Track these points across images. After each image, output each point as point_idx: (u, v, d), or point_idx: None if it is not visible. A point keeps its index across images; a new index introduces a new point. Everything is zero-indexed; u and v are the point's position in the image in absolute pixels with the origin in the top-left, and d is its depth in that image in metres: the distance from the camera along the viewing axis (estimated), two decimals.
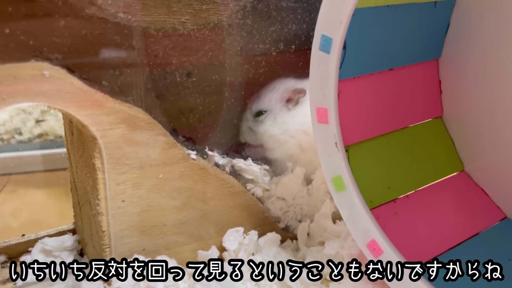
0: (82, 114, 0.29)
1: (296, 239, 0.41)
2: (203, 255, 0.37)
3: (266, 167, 0.43)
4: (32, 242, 0.40)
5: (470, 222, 0.35)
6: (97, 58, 0.31)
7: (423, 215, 0.34)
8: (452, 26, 0.38)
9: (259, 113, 0.43)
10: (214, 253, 0.37)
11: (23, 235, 0.41)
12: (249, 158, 0.42)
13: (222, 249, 0.38)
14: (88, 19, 0.30)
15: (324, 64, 0.31)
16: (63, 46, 0.29)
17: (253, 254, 0.39)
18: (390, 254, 0.30)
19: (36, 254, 0.39)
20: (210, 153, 0.38)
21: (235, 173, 0.40)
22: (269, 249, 0.39)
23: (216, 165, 0.39)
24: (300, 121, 0.42)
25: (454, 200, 0.36)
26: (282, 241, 0.41)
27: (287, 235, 0.42)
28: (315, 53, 0.31)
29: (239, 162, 0.40)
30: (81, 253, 0.40)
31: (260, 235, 0.40)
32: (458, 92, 0.39)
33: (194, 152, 0.36)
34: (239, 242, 0.38)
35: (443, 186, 0.36)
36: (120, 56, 0.32)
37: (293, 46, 0.41)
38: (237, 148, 0.45)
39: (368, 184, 0.33)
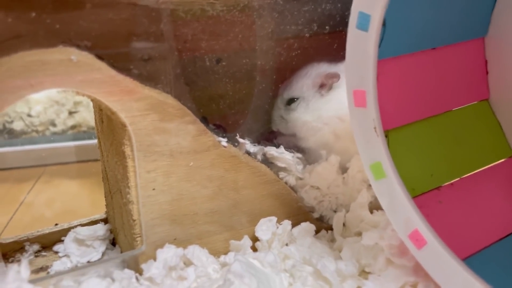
0: (110, 100, 0.29)
1: (331, 229, 0.40)
2: (235, 245, 0.36)
3: (299, 155, 0.41)
4: (65, 231, 0.40)
5: None
6: (124, 43, 0.30)
7: (469, 204, 0.32)
8: (499, 1, 0.35)
9: (291, 101, 0.41)
10: (246, 243, 0.36)
11: (56, 224, 0.41)
12: (281, 146, 0.40)
13: (254, 239, 0.37)
14: (115, 3, 0.29)
15: (362, 43, 0.29)
16: (90, 31, 0.28)
17: (286, 245, 0.37)
18: (435, 245, 0.28)
19: (68, 243, 0.39)
20: (241, 140, 0.37)
21: (267, 161, 0.39)
22: (303, 239, 0.37)
23: (248, 153, 0.38)
24: (334, 107, 0.40)
25: (502, 188, 0.34)
26: (317, 232, 0.40)
27: (322, 225, 0.41)
28: (352, 31, 0.29)
29: (271, 150, 0.39)
30: (113, 243, 0.40)
31: (294, 225, 0.39)
32: (505, 73, 0.36)
33: (225, 140, 0.35)
34: (272, 232, 0.36)
35: (490, 173, 0.34)
36: (148, 41, 0.31)
37: (327, 27, 0.39)
38: (269, 136, 0.43)
39: (409, 171, 0.31)
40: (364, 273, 0.34)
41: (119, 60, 0.31)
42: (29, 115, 0.73)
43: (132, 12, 0.30)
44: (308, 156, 0.42)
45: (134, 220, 0.32)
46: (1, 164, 0.69)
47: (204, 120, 0.39)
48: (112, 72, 0.28)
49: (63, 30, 0.28)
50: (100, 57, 0.29)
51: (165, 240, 0.34)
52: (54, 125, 0.74)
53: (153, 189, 0.32)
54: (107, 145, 0.36)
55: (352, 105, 0.31)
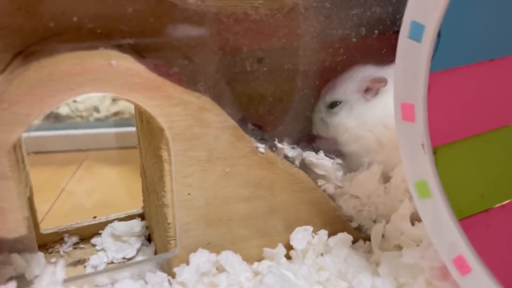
0: (149, 105, 0.28)
1: (369, 240, 0.38)
2: (269, 253, 0.35)
3: (339, 161, 0.40)
4: (103, 225, 0.41)
5: None
6: (165, 46, 0.30)
7: None
8: None
9: (334, 104, 0.39)
10: (280, 251, 0.35)
11: (94, 217, 0.42)
12: (321, 152, 0.39)
13: (289, 247, 0.36)
14: (157, 5, 0.28)
15: (414, 55, 0.27)
16: (131, 34, 0.28)
17: (322, 255, 0.36)
18: (479, 273, 0.26)
19: (105, 237, 0.39)
20: (279, 145, 0.36)
21: (305, 167, 0.38)
22: (339, 250, 0.36)
23: (286, 157, 0.37)
24: (380, 114, 0.38)
25: None
26: (354, 242, 0.39)
27: (360, 235, 0.39)
28: (403, 41, 0.27)
29: (310, 156, 0.38)
30: (149, 239, 0.40)
31: (331, 234, 0.37)
32: None
33: (263, 146, 0.34)
34: (307, 241, 0.35)
35: None
36: (189, 44, 0.31)
37: (376, 31, 0.37)
38: (309, 140, 0.42)
39: (457, 191, 0.29)
40: None
41: (159, 62, 0.30)
42: (74, 101, 0.75)
43: (174, 14, 0.29)
44: (348, 163, 0.40)
45: (168, 224, 0.32)
46: (46, 148, 0.71)
47: (243, 120, 0.38)
48: (152, 76, 0.28)
49: (104, 33, 0.28)
50: (140, 59, 0.28)
51: (198, 244, 0.33)
52: (97, 111, 0.76)
53: (189, 193, 0.32)
54: (145, 144, 0.36)
55: (399, 118, 0.29)
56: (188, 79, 0.33)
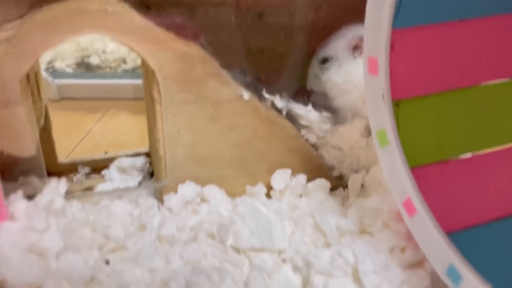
0: (142, 48, 0.32)
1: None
2: (251, 190, 0.39)
3: (327, 114, 0.42)
4: (112, 160, 0.46)
5: None
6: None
7: (472, 182, 0.32)
8: None
9: (325, 60, 0.42)
10: (261, 189, 0.39)
11: (105, 152, 0.47)
12: (310, 105, 0.42)
13: (269, 188, 0.40)
14: None
15: (378, 11, 0.29)
16: None
17: (300, 196, 0.40)
18: (423, 215, 0.29)
19: (113, 170, 0.45)
20: (267, 96, 0.39)
21: (291, 117, 0.41)
22: (317, 194, 0.40)
23: (275, 108, 0.40)
24: None
25: None
26: (334, 189, 0.42)
27: (341, 184, 0.42)
28: None
29: (296, 108, 0.41)
30: (152, 174, 0.45)
31: (312, 180, 0.41)
32: None
33: (248, 93, 0.37)
34: (286, 183, 0.39)
35: (506, 154, 0.33)
36: None
37: None
38: (302, 95, 0.45)
39: (416, 142, 0.32)
40: (365, 232, 0.36)
41: (156, 10, 0.34)
42: (104, 52, 0.80)
43: None
44: (336, 117, 0.43)
45: (160, 156, 0.37)
46: (77, 94, 0.77)
47: (243, 72, 0.42)
48: (143, 21, 0.31)
49: None
50: (147, 9, 0.32)
51: (187, 177, 0.38)
52: (125, 62, 0.81)
53: (178, 131, 0.36)
54: (146, 85, 0.40)
55: (367, 72, 0.32)
56: (180, 30, 0.36)
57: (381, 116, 0.31)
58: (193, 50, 0.34)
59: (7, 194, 0.30)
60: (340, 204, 0.40)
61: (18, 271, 0.24)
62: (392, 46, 0.30)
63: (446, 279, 0.28)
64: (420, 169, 0.31)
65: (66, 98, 0.79)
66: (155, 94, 0.34)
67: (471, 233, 0.30)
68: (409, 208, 0.30)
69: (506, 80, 0.34)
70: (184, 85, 0.34)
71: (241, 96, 0.36)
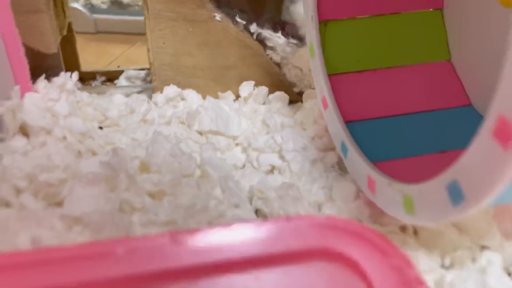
0: None
1: None
2: (221, 95, 0.49)
3: (294, 41, 0.51)
4: (123, 72, 0.57)
5: (430, 99, 0.40)
6: None
7: (381, 87, 0.40)
8: None
9: None
10: (230, 96, 0.49)
11: (118, 66, 0.59)
12: (280, 32, 0.51)
13: (237, 96, 0.50)
14: None
15: None
16: None
17: (264, 103, 0.50)
18: (331, 108, 0.38)
19: (122, 79, 0.56)
20: (239, 20, 0.49)
21: (260, 40, 0.50)
22: (276, 103, 0.49)
23: (247, 31, 0.49)
24: None
25: (424, 80, 0.41)
26: (295, 103, 0.51)
27: (301, 99, 0.52)
28: None
29: (266, 32, 0.50)
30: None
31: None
32: None
33: (220, 15, 0.46)
34: (249, 92, 0.49)
35: (419, 68, 0.41)
36: None
37: None
38: (276, 23, 0.53)
39: (338, 55, 0.40)
40: (300, 127, 0.45)
41: None
42: None
43: None
44: (302, 43, 0.52)
45: (150, 63, 0.48)
46: (110, 29, 0.89)
47: (227, 3, 0.51)
48: None
49: None
50: None
51: (171, 81, 0.48)
52: None
53: (163, 43, 0.46)
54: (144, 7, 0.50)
55: None
56: None
57: (310, 33, 0.40)
58: None
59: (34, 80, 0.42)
60: (293, 111, 0.49)
61: (36, 119, 0.36)
62: None
63: (340, 154, 0.38)
64: (337, 76, 0.40)
65: (101, 31, 0.91)
66: (145, 12, 0.44)
67: (364, 123, 0.39)
68: (324, 103, 0.40)
69: (428, 10, 0.42)
70: (167, 4, 0.44)
71: (214, 17, 0.46)
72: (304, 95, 0.50)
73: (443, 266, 0.31)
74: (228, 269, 0.19)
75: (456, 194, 0.23)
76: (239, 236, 0.20)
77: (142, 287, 0.19)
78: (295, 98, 0.51)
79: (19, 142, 0.35)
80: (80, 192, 0.31)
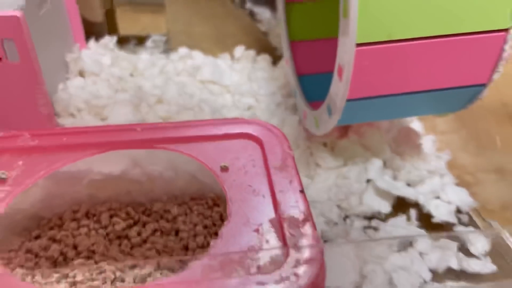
0: None
1: None
2: (220, 56, 0.66)
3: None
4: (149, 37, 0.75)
5: None
6: None
7: (328, 51, 0.56)
8: None
9: None
10: (226, 56, 0.66)
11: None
12: (268, 8, 0.67)
13: (232, 57, 0.67)
14: None
15: None
16: None
17: (253, 63, 0.67)
18: (289, 65, 0.55)
19: (149, 41, 0.74)
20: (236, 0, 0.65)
21: (253, 15, 0.67)
22: (261, 62, 0.66)
23: (243, 8, 0.66)
24: None
25: None
26: (278, 61, 0.68)
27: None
28: None
29: (256, 9, 0.66)
30: None
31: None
32: None
33: None
34: (241, 54, 0.66)
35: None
36: None
37: None
38: (266, 2, 0.70)
39: (298, 28, 0.57)
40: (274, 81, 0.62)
41: None
42: None
43: None
44: None
45: (168, 31, 0.65)
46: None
47: None
48: None
49: None
50: None
51: (183, 44, 0.66)
52: None
53: (177, 16, 0.63)
54: None
55: None
56: None
57: (279, 12, 0.56)
58: None
59: (87, 40, 0.60)
60: (273, 69, 0.66)
61: (89, 67, 0.55)
62: None
63: (295, 100, 0.54)
64: (296, 42, 0.57)
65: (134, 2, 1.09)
66: None
67: (309, 77, 0.55)
68: (287, 62, 0.56)
69: None
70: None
71: None
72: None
73: (344, 165, 0.47)
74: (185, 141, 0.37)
75: (329, 112, 0.40)
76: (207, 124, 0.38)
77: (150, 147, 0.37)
78: (277, 59, 0.68)
79: (78, 81, 0.54)
80: (116, 112, 0.50)
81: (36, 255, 0.36)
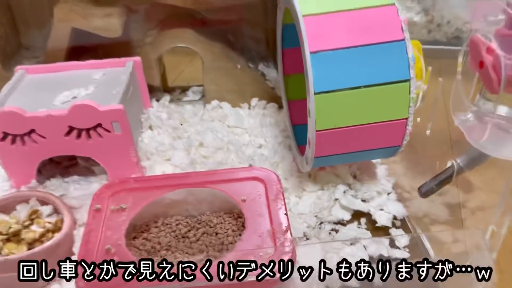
0: None
1: None
2: (242, 106, 0.93)
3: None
4: (190, 87, 1.02)
5: None
6: None
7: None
8: None
9: None
10: (245, 105, 0.93)
11: (188, 83, 1.04)
12: (274, 69, 0.93)
13: (250, 106, 0.93)
14: None
15: None
16: None
17: (264, 109, 0.93)
18: (287, 119, 0.81)
19: (190, 91, 1.01)
20: (251, 65, 0.91)
21: (263, 75, 0.93)
22: (270, 108, 0.92)
23: (256, 70, 0.92)
24: None
25: None
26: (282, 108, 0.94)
27: None
28: None
29: (265, 70, 0.92)
30: None
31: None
32: None
33: (240, 65, 0.90)
34: (256, 103, 0.92)
35: None
36: None
37: None
38: (273, 65, 0.96)
39: (292, 93, 0.83)
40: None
41: None
42: None
43: None
44: None
45: (204, 88, 0.92)
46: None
47: (246, 58, 0.94)
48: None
49: None
50: None
51: (215, 97, 0.93)
52: None
53: (210, 77, 0.90)
54: None
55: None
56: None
57: (280, 81, 0.82)
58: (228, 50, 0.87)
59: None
60: (278, 114, 0.92)
61: (154, 121, 0.82)
62: None
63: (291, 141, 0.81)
64: (291, 101, 0.83)
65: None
66: (201, 63, 0.88)
67: (301, 127, 0.81)
68: (288, 115, 0.83)
69: None
70: (214, 59, 0.88)
71: (237, 66, 0.89)
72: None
73: (321, 189, 0.74)
74: (220, 182, 0.64)
75: (306, 162, 0.67)
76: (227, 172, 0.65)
77: None
78: (281, 106, 0.94)
79: (149, 133, 0.82)
80: (175, 155, 0.77)
81: (138, 248, 0.64)
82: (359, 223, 0.71)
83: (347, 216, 0.71)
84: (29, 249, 0.60)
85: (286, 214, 0.59)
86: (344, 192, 0.73)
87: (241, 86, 0.92)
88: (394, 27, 0.58)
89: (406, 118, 0.61)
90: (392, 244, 0.67)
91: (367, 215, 0.72)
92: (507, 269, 0.58)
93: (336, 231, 0.69)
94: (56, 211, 0.67)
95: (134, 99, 0.78)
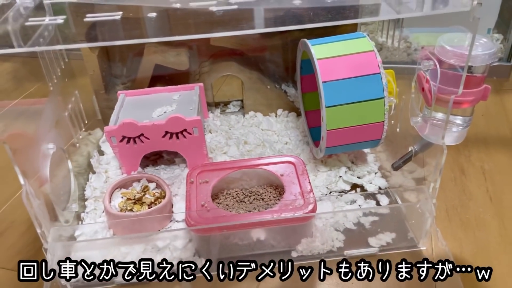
0: None
1: None
2: (270, 115, 1.29)
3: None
4: (230, 101, 1.39)
5: None
6: None
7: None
8: None
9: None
10: (273, 115, 1.29)
11: (228, 98, 1.40)
12: (293, 87, 1.29)
13: (276, 115, 1.29)
14: None
15: None
16: None
17: (286, 117, 1.29)
18: (304, 123, 1.18)
19: (231, 104, 1.38)
20: (277, 85, 1.28)
21: (285, 92, 1.29)
22: (291, 117, 1.28)
23: (280, 88, 1.28)
24: None
25: None
26: (300, 115, 1.30)
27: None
28: None
29: (287, 88, 1.28)
30: None
31: (290, 112, 1.30)
32: None
33: (269, 86, 1.26)
34: (280, 113, 1.28)
35: None
36: None
37: None
38: (293, 83, 1.32)
39: (308, 105, 1.19)
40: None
41: None
42: None
43: None
44: None
45: (243, 102, 1.28)
46: None
47: (277, 79, 1.30)
48: None
49: None
50: None
51: (251, 109, 1.29)
52: None
53: (247, 94, 1.27)
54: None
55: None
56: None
57: (299, 97, 1.19)
58: (254, 74, 1.23)
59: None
60: (298, 120, 1.28)
61: (212, 126, 1.19)
62: None
63: (308, 138, 1.17)
64: (307, 112, 1.19)
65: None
66: (241, 84, 1.25)
67: (315, 129, 1.17)
68: (305, 121, 1.19)
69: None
70: (250, 80, 1.24)
71: (267, 87, 1.26)
72: None
73: (329, 170, 1.10)
74: (264, 165, 1.01)
75: (320, 151, 1.03)
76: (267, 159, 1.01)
77: None
78: (299, 115, 1.30)
79: (210, 135, 1.18)
80: (229, 150, 1.14)
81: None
82: (356, 192, 1.07)
83: (347, 187, 1.07)
84: (149, 207, 0.96)
85: (309, 183, 0.95)
86: (345, 171, 1.09)
87: (270, 101, 1.28)
88: (374, 65, 0.94)
89: (383, 121, 0.97)
90: (377, 203, 1.03)
91: (361, 187, 1.07)
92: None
93: (341, 196, 1.05)
94: (158, 186, 1.02)
95: (201, 110, 1.15)
